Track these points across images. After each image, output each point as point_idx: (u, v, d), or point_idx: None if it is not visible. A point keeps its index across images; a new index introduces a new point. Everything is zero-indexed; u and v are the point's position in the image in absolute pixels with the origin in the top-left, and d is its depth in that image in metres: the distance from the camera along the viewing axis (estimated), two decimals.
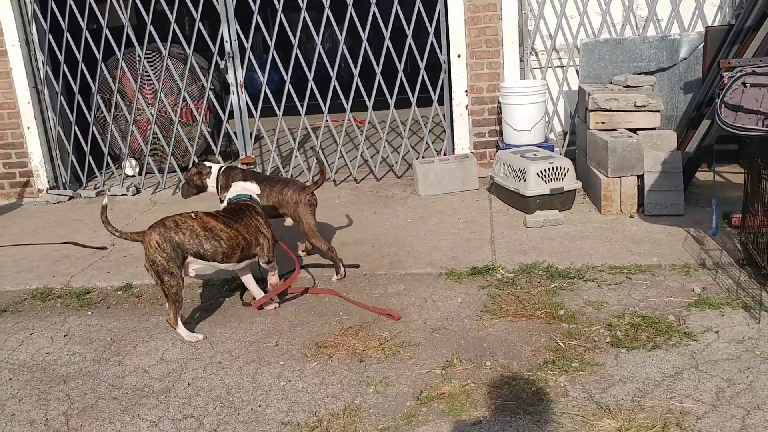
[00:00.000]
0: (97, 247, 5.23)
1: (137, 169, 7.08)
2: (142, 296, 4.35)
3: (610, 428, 2.66)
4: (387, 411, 2.89)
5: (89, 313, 4.17)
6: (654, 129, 5.12)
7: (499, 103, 6.03)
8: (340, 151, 6.41)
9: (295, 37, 5.96)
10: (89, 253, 5.15)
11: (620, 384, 2.95)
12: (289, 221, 4.46)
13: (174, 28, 6.18)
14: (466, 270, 4.20)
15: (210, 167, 4.52)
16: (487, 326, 3.53)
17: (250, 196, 4.04)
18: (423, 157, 6.26)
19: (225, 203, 4.06)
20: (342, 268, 4.28)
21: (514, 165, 5.23)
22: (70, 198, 6.71)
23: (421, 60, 6.07)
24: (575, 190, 5.18)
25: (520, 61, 6.07)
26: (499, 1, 5.92)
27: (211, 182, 4.50)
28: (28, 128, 6.64)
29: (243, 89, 6.10)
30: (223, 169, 4.53)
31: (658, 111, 5.10)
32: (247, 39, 6.01)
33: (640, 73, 5.60)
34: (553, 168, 5.07)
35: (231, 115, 6.45)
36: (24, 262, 5.08)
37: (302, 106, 6.17)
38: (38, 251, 5.26)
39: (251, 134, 6.32)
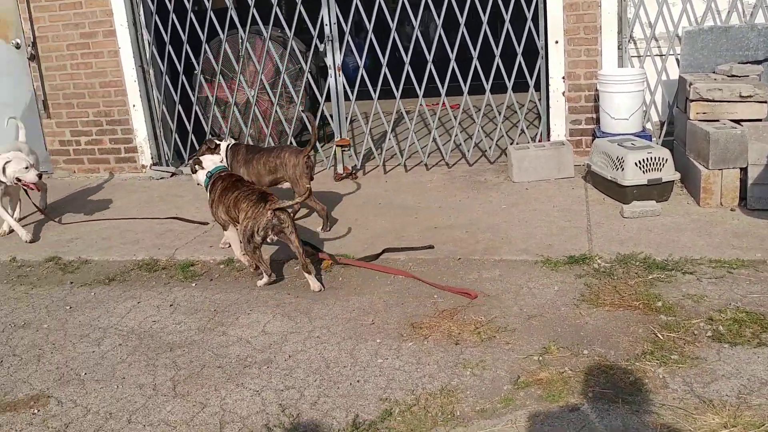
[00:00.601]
0: (199, 222, 5.43)
1: None
2: (243, 270, 4.50)
3: (714, 424, 2.61)
4: (484, 393, 2.92)
5: (193, 284, 4.36)
6: (760, 120, 4.92)
7: (596, 90, 5.91)
8: (433, 135, 6.42)
9: (393, 20, 5.99)
10: (192, 227, 5.36)
11: (723, 380, 2.88)
12: (286, 185, 4.94)
13: (276, 11, 6.32)
14: (562, 258, 4.17)
15: (218, 144, 5.02)
16: (584, 315, 3.50)
17: (224, 167, 4.58)
18: (517, 143, 6.21)
19: (204, 178, 4.51)
20: (328, 225, 4.92)
21: (611, 154, 5.13)
22: (173, 174, 6.99)
23: (518, 45, 6.01)
24: (673, 181, 5.04)
25: (619, 48, 5.93)
26: None
27: (221, 157, 4.92)
28: (134, 106, 6.94)
29: (341, 72, 6.19)
30: (230, 145, 5.05)
31: (765, 102, 4.89)
32: (346, 22, 6.08)
33: (747, 63, 5.38)
34: (651, 158, 4.95)
35: (326, 98, 6.55)
36: (130, 235, 5.34)
37: (397, 90, 6.20)
38: (143, 225, 5.52)
39: (347, 117, 6.41)
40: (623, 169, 4.96)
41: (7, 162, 5.25)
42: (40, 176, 5.35)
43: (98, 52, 6.87)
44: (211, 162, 4.55)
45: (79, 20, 6.81)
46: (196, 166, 4.59)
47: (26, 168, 5.25)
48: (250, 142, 6.64)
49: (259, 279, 4.23)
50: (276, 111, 6.70)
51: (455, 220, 5.00)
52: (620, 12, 5.84)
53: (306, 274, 4.05)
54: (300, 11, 6.22)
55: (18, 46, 7.05)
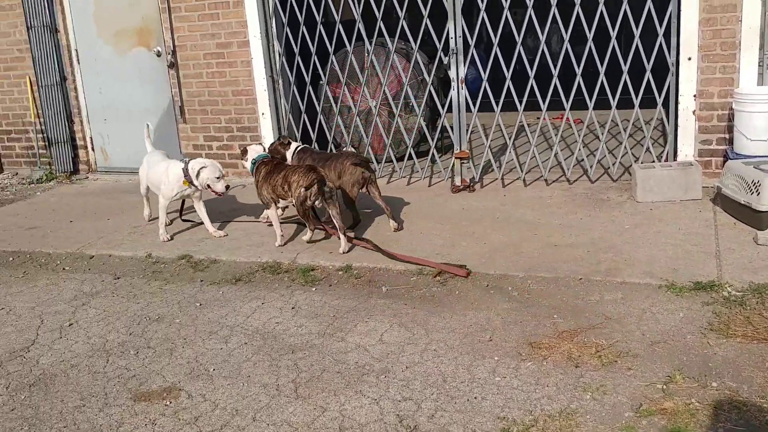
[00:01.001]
0: (323, 227, 5.59)
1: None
2: (361, 278, 4.61)
3: None
4: (604, 419, 2.85)
5: (313, 289, 4.50)
6: None
7: (731, 109, 5.65)
8: (555, 150, 6.33)
9: (519, 33, 5.97)
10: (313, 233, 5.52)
11: None
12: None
13: (402, 24, 6.42)
14: (688, 284, 4.01)
15: (290, 143, 5.81)
16: (712, 345, 3.36)
17: (266, 155, 5.51)
18: (642, 162, 6.02)
19: (249, 165, 5.47)
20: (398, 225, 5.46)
21: (746, 177, 4.89)
22: None
23: (648, 61, 5.83)
24: None
25: (759, 65, 5.63)
26: (740, 1, 5.53)
27: (289, 155, 5.73)
28: (263, 114, 7.24)
29: (464, 85, 6.21)
30: (299, 148, 5.76)
31: None
32: (471, 36, 6.11)
33: None
34: None
35: (446, 109, 6.59)
36: (255, 237, 5.57)
37: (520, 103, 6.16)
38: (268, 228, 5.74)
39: (467, 129, 6.43)
40: (759, 193, 4.71)
41: (203, 167, 5.40)
42: (227, 188, 5.51)
43: (232, 62, 7.22)
44: (254, 151, 5.52)
45: (216, 31, 7.19)
46: (243, 155, 5.59)
47: (218, 177, 5.43)
48: (351, 149, 6.81)
49: (304, 235, 5.30)
50: (396, 121, 6.81)
51: (576, 238, 4.91)
52: (763, 27, 5.55)
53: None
54: (425, 24, 6.30)
55: (159, 54, 7.52)
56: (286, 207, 5.61)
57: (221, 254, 5.24)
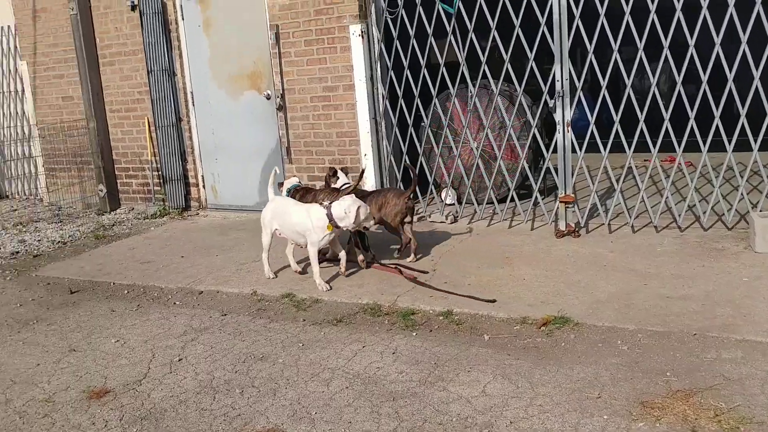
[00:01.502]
0: (420, 270, 5.59)
1: (455, 198, 7.43)
2: (462, 324, 4.55)
3: None
4: None
5: (414, 333, 4.47)
6: None
7: None
8: (666, 195, 6.09)
9: (629, 75, 5.83)
10: (413, 275, 5.53)
11: None
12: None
13: (507, 67, 6.41)
14: None
15: (338, 176, 6.18)
16: None
17: (298, 184, 6.24)
18: (761, 210, 5.70)
19: (286, 193, 6.09)
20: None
21: None
22: None
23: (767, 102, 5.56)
24: None
25: None
26: None
27: (334, 184, 6.11)
28: (365, 155, 7.36)
29: (569, 128, 6.11)
30: (344, 185, 6.06)
31: None
32: (579, 78, 6.02)
33: None
34: None
35: (547, 151, 6.49)
36: (355, 278, 5.62)
37: (629, 146, 5.98)
38: (368, 269, 5.79)
39: (573, 172, 6.29)
40: None
41: (359, 206, 5.25)
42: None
43: (338, 105, 7.39)
44: (289, 183, 6.23)
45: (323, 75, 7.39)
46: (280, 188, 6.18)
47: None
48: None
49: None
50: (500, 163, 6.76)
51: (689, 290, 4.69)
52: None
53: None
54: (531, 67, 6.26)
55: (268, 98, 7.80)
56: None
57: (323, 294, 5.30)
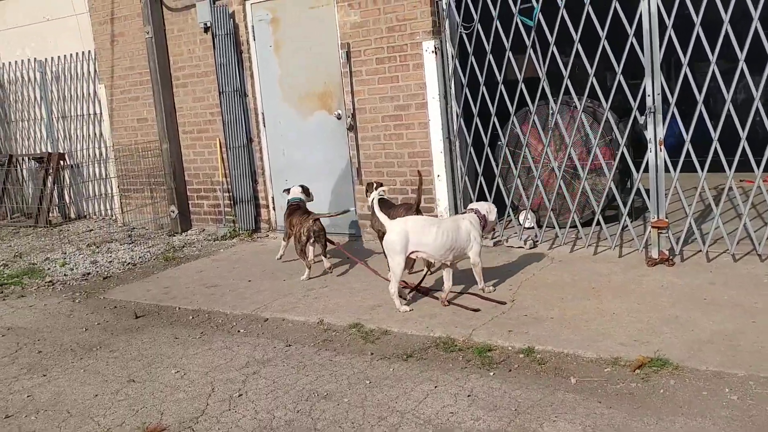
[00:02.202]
0: (497, 301, 5.20)
1: (534, 222, 7.00)
2: (545, 364, 4.14)
3: None
4: None
5: (491, 373, 4.09)
6: None
7: None
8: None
9: (729, 90, 5.31)
10: (490, 306, 5.14)
11: None
12: None
13: (592, 81, 5.98)
14: None
15: (375, 189, 5.83)
16: None
17: (300, 198, 6.73)
18: None
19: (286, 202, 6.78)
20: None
21: None
22: None
23: None
24: None
25: None
26: None
27: (370, 197, 5.89)
28: (438, 176, 7.02)
29: (662, 147, 5.61)
30: (381, 198, 5.79)
31: None
32: (671, 93, 5.53)
33: None
34: None
35: (637, 171, 5.99)
36: (426, 307, 5.27)
37: (729, 164, 5.44)
38: (431, 300, 5.44)
39: (666, 194, 5.78)
40: None
41: (490, 210, 5.44)
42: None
43: (409, 124, 7.10)
44: (294, 192, 6.76)
45: (395, 93, 7.12)
46: (284, 193, 6.87)
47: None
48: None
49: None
50: (584, 184, 6.31)
51: None
52: None
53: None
54: (618, 81, 5.81)
55: (339, 117, 7.58)
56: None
57: (392, 325, 4.98)
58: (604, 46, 5.85)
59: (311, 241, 6.32)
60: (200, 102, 8.53)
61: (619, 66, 5.76)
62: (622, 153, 6.11)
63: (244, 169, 8.25)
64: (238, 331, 5.24)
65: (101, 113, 9.57)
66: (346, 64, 7.28)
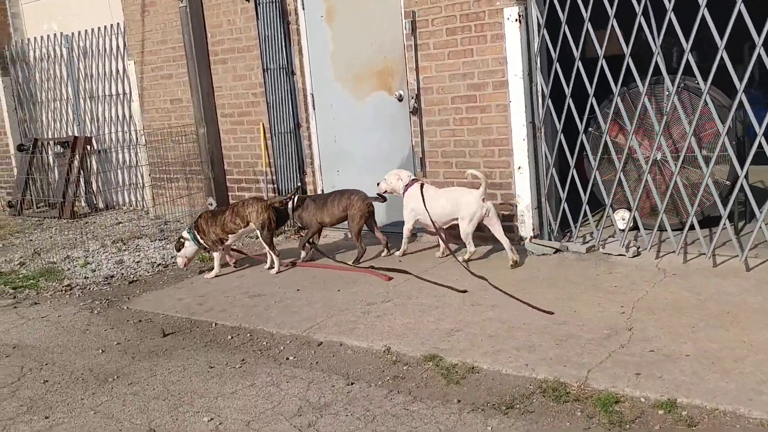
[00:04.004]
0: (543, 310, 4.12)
1: (630, 224, 5.86)
2: (696, 425, 3.08)
3: None
4: None
5: None
6: None
7: None
8: None
9: None
10: (600, 336, 4.08)
11: None
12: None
13: (688, 58, 4.85)
14: None
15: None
16: None
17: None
18: None
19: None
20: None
21: None
22: (556, 251, 5.82)
23: None
24: None
25: None
26: None
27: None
28: (519, 168, 5.94)
29: None
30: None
31: None
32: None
33: None
34: None
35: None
36: (520, 334, 4.22)
37: None
38: (533, 319, 4.39)
39: None
40: None
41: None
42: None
43: (485, 107, 6.02)
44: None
45: (468, 70, 6.04)
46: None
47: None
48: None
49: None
50: (707, 181, 5.18)
51: None
52: None
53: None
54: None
55: (400, 99, 6.53)
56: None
57: (479, 358, 3.94)
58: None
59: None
60: (241, 81, 7.54)
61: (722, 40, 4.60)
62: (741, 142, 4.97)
63: (291, 157, 7.27)
64: (287, 359, 4.25)
65: (131, 93, 8.66)
66: (410, 35, 6.21)
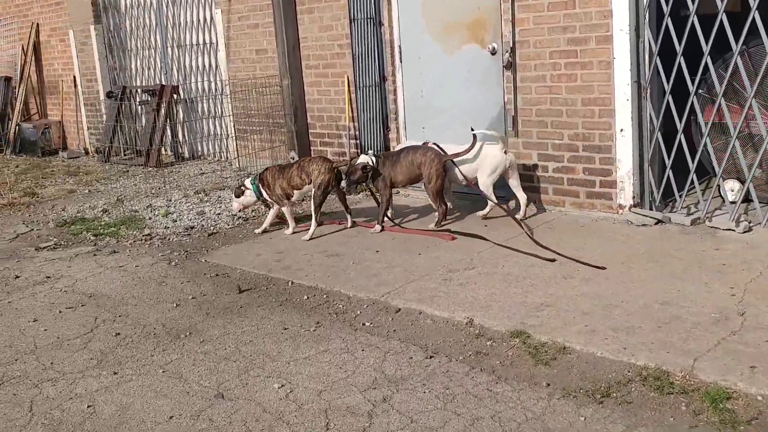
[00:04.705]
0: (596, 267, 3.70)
1: (740, 195, 5.32)
2: None
3: None
4: None
5: None
6: None
7: None
8: None
9: None
10: (707, 320, 3.67)
11: None
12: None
13: None
14: None
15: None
16: None
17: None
18: None
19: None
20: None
21: None
22: (657, 222, 5.35)
23: None
24: None
25: None
26: None
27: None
28: (621, 131, 5.46)
29: None
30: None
31: None
32: None
33: None
34: None
35: None
36: (617, 313, 3.86)
37: None
38: (631, 297, 4.01)
39: None
40: None
41: None
42: None
43: (586, 63, 5.54)
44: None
45: (569, 23, 5.56)
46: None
47: None
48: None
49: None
50: None
51: None
52: None
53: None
54: None
55: (494, 52, 6.12)
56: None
57: (571, 338, 3.61)
58: None
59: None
60: (327, 32, 7.27)
61: None
62: None
63: (375, 112, 6.99)
64: (363, 325, 4.04)
65: (217, 42, 8.53)
66: None
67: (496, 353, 3.57)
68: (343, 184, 5.73)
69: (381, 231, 5.69)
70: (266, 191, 5.83)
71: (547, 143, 5.91)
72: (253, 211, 6.50)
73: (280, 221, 6.04)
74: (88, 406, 3.28)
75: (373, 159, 5.77)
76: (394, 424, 2.98)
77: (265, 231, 5.92)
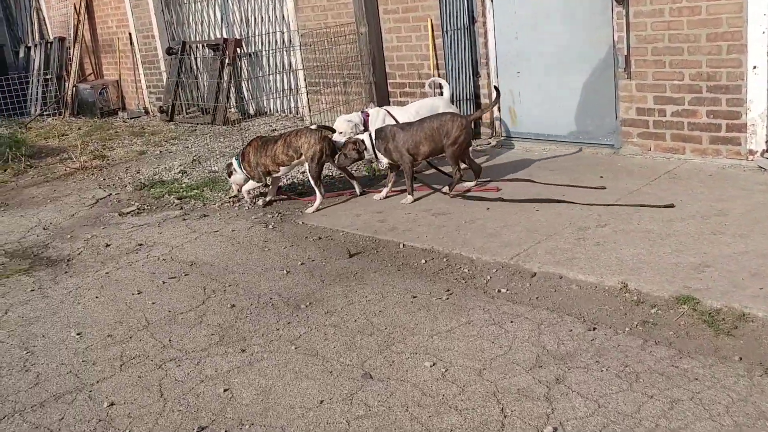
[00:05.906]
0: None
1: None
2: None
3: None
4: None
5: None
6: None
7: None
8: None
9: None
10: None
11: None
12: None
13: None
14: None
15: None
16: None
17: None
18: None
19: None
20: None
21: None
22: None
23: None
24: None
25: None
26: None
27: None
28: (754, 68, 4.91)
29: None
30: None
31: None
32: None
33: None
34: None
35: None
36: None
37: None
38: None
39: None
40: None
41: None
42: None
43: None
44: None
45: None
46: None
47: None
48: None
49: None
50: None
51: None
52: None
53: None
54: None
55: None
56: None
57: (748, 303, 3.18)
58: None
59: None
60: None
61: None
62: None
63: (463, 58, 6.50)
64: (499, 291, 3.65)
65: None
66: None
67: (666, 323, 3.16)
68: (339, 159, 5.22)
69: (412, 201, 5.15)
70: (246, 168, 5.33)
71: (665, 85, 5.37)
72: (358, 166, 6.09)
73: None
74: (225, 390, 2.96)
75: (372, 136, 5.17)
76: (580, 410, 2.61)
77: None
